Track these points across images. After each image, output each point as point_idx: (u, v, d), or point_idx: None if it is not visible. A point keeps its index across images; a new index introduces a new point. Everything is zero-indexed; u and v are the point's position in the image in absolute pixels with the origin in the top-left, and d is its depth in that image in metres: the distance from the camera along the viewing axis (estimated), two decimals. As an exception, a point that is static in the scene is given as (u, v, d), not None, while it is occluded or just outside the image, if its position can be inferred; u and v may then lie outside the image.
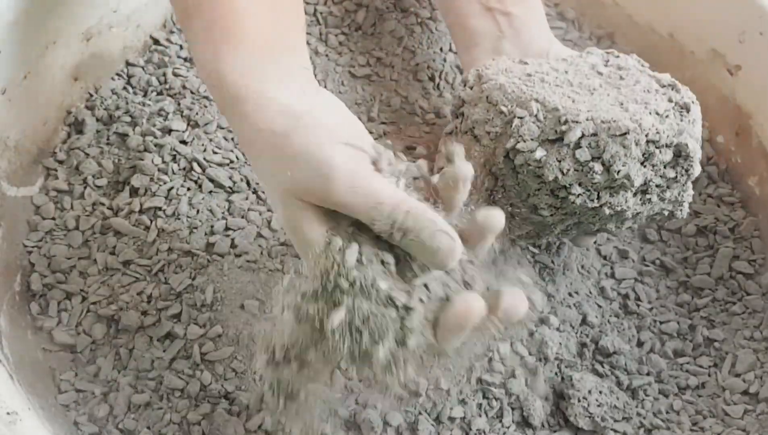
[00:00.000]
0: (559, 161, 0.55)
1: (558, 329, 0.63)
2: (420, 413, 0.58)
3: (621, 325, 0.65)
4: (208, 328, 0.60)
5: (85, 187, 0.66)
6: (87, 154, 0.68)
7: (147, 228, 0.64)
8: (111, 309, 0.61)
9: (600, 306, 0.66)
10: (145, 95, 0.71)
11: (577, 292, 0.66)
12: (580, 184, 0.55)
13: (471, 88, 0.61)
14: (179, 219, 0.64)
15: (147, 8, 0.75)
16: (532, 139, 0.55)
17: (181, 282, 0.61)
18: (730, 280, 0.69)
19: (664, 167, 0.56)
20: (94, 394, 0.58)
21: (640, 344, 0.65)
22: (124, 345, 0.60)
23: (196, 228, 0.64)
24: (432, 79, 0.76)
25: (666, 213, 0.60)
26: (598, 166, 0.55)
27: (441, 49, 0.78)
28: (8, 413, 0.51)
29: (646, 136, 0.55)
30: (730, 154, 0.75)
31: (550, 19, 0.81)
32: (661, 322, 0.66)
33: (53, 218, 0.65)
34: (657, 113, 0.56)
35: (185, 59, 0.74)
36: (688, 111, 0.57)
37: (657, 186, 0.57)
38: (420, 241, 0.45)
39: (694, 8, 0.77)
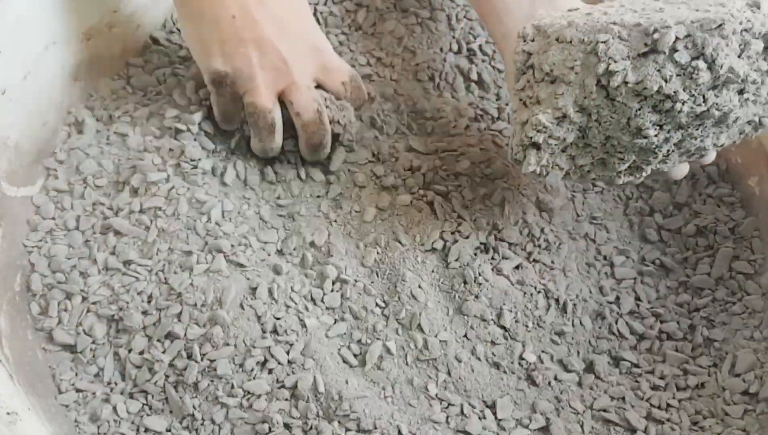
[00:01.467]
0: (659, 70, 0.53)
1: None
2: None
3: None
4: (208, 328, 0.60)
5: (85, 187, 0.66)
6: (87, 154, 0.68)
7: (147, 228, 0.64)
8: (111, 309, 0.61)
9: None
10: (144, 95, 0.71)
11: (577, 293, 0.66)
12: (684, 89, 0.53)
13: (532, 40, 0.60)
14: (179, 219, 0.64)
15: (147, 8, 0.75)
16: (623, 59, 0.54)
17: (181, 282, 0.61)
18: (730, 280, 0.69)
19: (758, 60, 0.55)
20: (94, 394, 0.58)
21: (640, 344, 0.65)
22: (124, 345, 0.60)
23: (196, 228, 0.64)
24: (432, 79, 0.76)
25: (757, 119, 0.58)
26: (701, 64, 0.53)
27: (441, 49, 0.78)
28: (8, 413, 0.51)
29: (741, 24, 0.53)
30: (730, 154, 0.75)
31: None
32: (661, 322, 0.66)
33: (53, 218, 0.65)
34: (736, 9, 0.54)
35: (185, 59, 0.74)
36: (759, 7, 0.55)
37: (753, 82, 0.55)
38: None
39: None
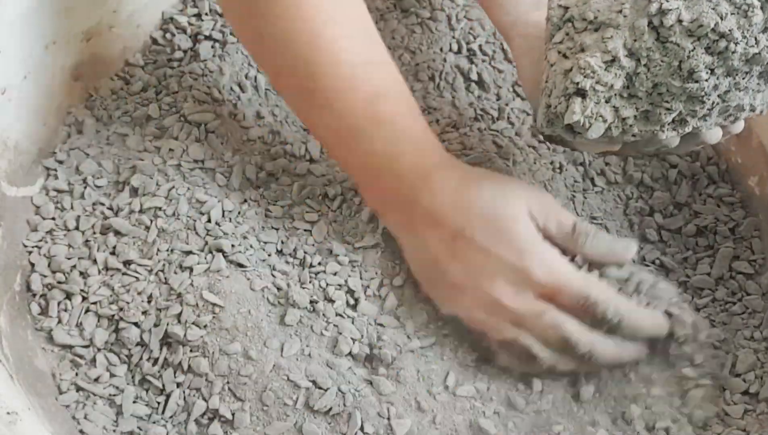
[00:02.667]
0: (714, 8, 0.52)
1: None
2: None
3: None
4: (208, 329, 0.60)
5: (85, 187, 0.66)
6: (87, 154, 0.68)
7: (147, 228, 0.64)
8: (111, 309, 0.61)
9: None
10: (144, 95, 0.71)
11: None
12: (739, 28, 0.52)
13: None
14: (179, 219, 0.64)
15: (147, 8, 0.75)
16: None
17: (181, 282, 0.61)
18: (730, 280, 0.68)
19: None
20: (95, 394, 0.58)
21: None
22: (123, 345, 0.60)
23: (196, 228, 0.64)
24: (432, 79, 0.76)
25: None
26: (756, 2, 0.52)
27: (441, 50, 0.78)
28: (8, 413, 0.51)
29: None
30: (730, 154, 0.75)
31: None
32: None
33: (53, 218, 0.65)
34: None
35: (183, 59, 0.74)
36: None
37: None
38: (596, 247, 0.61)
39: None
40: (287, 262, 0.64)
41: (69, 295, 0.61)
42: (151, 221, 0.64)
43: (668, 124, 0.56)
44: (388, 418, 0.58)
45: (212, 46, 0.75)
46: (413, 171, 0.60)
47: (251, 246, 0.64)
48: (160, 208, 0.65)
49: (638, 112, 0.56)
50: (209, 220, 0.64)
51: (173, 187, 0.66)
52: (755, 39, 0.53)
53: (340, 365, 0.60)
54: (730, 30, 0.52)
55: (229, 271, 0.62)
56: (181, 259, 0.63)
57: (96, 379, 0.59)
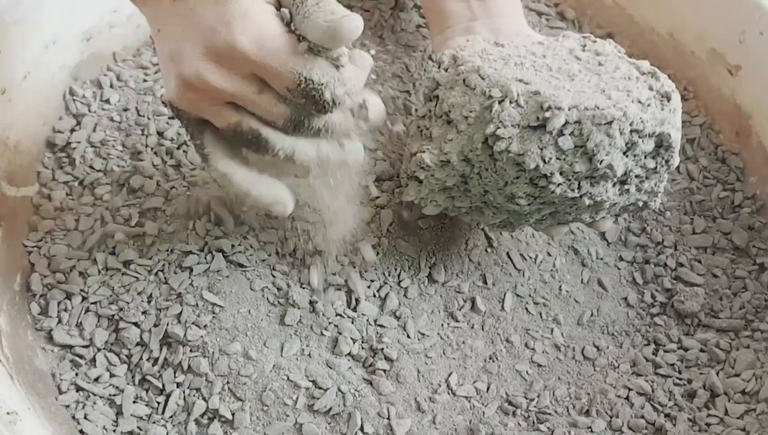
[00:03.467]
0: (541, 149, 0.53)
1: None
2: None
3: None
4: (208, 329, 0.60)
5: (85, 187, 0.66)
6: (87, 154, 0.68)
7: (147, 228, 0.64)
8: (111, 309, 0.61)
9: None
10: (144, 95, 0.71)
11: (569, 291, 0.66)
12: (561, 173, 0.54)
13: (446, 70, 0.59)
14: (179, 219, 0.64)
15: (147, 8, 0.75)
16: (512, 126, 0.54)
17: (181, 282, 0.62)
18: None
19: (645, 157, 0.55)
20: (94, 394, 0.58)
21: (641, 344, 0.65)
22: (124, 345, 0.60)
23: (195, 228, 0.64)
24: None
25: (640, 204, 0.59)
26: (581, 154, 0.53)
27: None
28: (8, 413, 0.51)
29: (631, 125, 0.53)
30: (730, 154, 0.75)
31: (549, 18, 0.81)
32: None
33: (53, 218, 0.65)
34: (639, 101, 0.55)
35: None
36: (669, 100, 0.56)
37: (636, 176, 0.56)
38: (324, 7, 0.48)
39: (694, 8, 0.77)
40: (287, 262, 0.64)
41: (69, 295, 0.61)
42: (151, 221, 0.64)
43: (498, 224, 0.59)
44: (388, 418, 0.58)
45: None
46: None
47: (251, 246, 0.64)
48: (159, 209, 0.65)
49: (472, 205, 0.58)
50: (210, 220, 0.64)
51: (173, 187, 0.66)
52: (578, 184, 0.54)
53: (340, 365, 0.60)
54: (551, 173, 0.54)
55: (228, 271, 0.62)
56: (180, 259, 0.63)
57: (96, 379, 0.59)
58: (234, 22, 0.49)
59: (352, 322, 0.61)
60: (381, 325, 0.62)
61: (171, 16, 0.50)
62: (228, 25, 0.49)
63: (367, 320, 0.62)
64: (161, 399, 0.58)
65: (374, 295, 0.63)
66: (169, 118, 0.70)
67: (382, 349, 0.61)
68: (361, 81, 0.53)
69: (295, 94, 0.51)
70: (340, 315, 0.62)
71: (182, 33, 0.50)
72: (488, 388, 0.61)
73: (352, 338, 0.61)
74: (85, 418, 0.57)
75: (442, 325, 0.63)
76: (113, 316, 0.61)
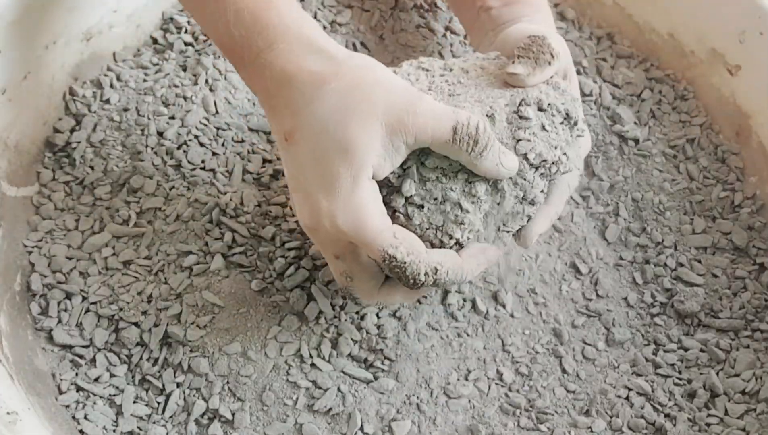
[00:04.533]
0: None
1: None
2: None
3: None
4: (208, 329, 0.60)
5: (84, 187, 0.66)
6: (87, 154, 0.68)
7: (146, 228, 0.64)
8: (111, 309, 0.61)
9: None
10: (144, 95, 0.71)
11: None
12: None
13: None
14: (179, 219, 0.64)
15: (147, 8, 0.75)
16: None
17: (181, 282, 0.62)
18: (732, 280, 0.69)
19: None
20: (94, 394, 0.58)
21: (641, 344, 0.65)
22: (124, 345, 0.60)
23: (195, 228, 0.64)
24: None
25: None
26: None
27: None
28: (8, 413, 0.51)
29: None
30: (730, 154, 0.75)
31: (550, 19, 0.81)
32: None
33: (53, 218, 0.65)
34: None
35: (183, 63, 0.74)
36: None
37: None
38: (494, 151, 0.52)
39: (694, 8, 0.76)
40: (287, 262, 0.64)
41: (69, 295, 0.61)
42: (151, 221, 0.64)
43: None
44: (388, 419, 0.58)
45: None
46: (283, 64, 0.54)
47: (251, 246, 0.64)
48: (159, 209, 0.65)
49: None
50: (210, 221, 0.64)
51: (173, 187, 0.66)
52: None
53: (340, 365, 0.60)
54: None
55: (228, 271, 0.62)
56: (180, 259, 0.63)
57: (96, 379, 0.59)
58: (338, 196, 0.51)
59: (352, 323, 0.61)
60: (381, 326, 0.62)
61: (285, 153, 0.54)
62: (331, 198, 0.52)
63: (367, 321, 0.62)
64: (161, 399, 0.58)
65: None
66: (169, 118, 0.70)
67: (382, 349, 0.61)
68: (469, 272, 0.55)
69: (383, 267, 0.53)
70: (339, 317, 0.62)
71: (294, 181, 0.54)
72: (488, 389, 0.61)
73: (352, 339, 0.61)
74: (85, 418, 0.57)
75: (442, 325, 0.63)
76: (113, 316, 0.61)
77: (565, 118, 0.56)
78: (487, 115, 0.54)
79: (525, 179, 0.54)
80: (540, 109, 0.55)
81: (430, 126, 0.51)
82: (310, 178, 0.52)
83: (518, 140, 0.54)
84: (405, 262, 0.52)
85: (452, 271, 0.53)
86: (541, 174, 0.55)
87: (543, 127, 0.55)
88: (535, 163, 0.54)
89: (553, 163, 0.55)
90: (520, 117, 0.54)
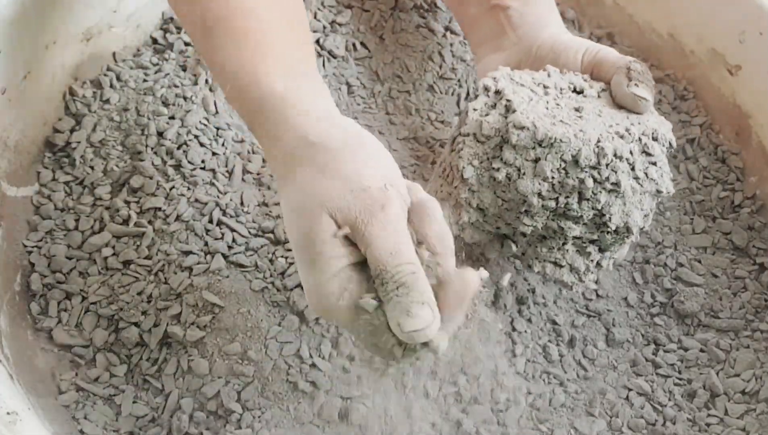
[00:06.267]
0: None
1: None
2: None
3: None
4: (208, 329, 0.60)
5: (84, 187, 0.66)
6: (87, 154, 0.68)
7: (147, 228, 0.64)
8: (111, 309, 0.61)
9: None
10: (144, 95, 0.71)
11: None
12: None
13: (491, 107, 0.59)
14: (179, 219, 0.64)
15: (147, 8, 0.75)
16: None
17: (181, 282, 0.62)
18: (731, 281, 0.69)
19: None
20: (94, 394, 0.58)
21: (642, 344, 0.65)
22: (124, 345, 0.60)
23: (195, 228, 0.64)
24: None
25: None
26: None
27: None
28: (8, 413, 0.51)
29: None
30: (730, 154, 0.75)
31: (550, 19, 0.81)
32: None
33: (53, 218, 0.65)
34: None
35: (183, 63, 0.74)
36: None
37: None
38: (405, 303, 0.46)
39: (694, 8, 0.77)
40: (287, 262, 0.64)
41: (69, 295, 0.61)
42: (151, 221, 0.64)
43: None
44: (390, 419, 0.58)
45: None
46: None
47: (251, 246, 0.64)
48: (159, 209, 0.65)
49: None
50: (210, 221, 0.64)
51: (173, 187, 0.66)
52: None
53: (340, 366, 0.60)
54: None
55: (228, 271, 0.62)
56: (180, 259, 0.63)
57: (96, 379, 0.59)
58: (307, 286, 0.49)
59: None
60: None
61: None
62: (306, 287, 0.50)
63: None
64: (161, 399, 0.58)
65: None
66: (169, 118, 0.70)
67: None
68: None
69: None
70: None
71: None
72: (490, 389, 0.61)
73: (352, 339, 0.61)
74: (85, 418, 0.57)
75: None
76: (113, 316, 0.61)
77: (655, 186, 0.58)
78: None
79: None
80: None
81: (378, 251, 0.48)
82: (295, 256, 0.51)
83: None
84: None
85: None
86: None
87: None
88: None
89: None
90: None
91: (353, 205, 0.48)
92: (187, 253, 0.63)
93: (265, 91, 0.51)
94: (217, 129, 0.70)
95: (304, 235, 0.49)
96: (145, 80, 0.72)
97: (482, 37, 0.67)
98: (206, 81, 0.72)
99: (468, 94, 0.76)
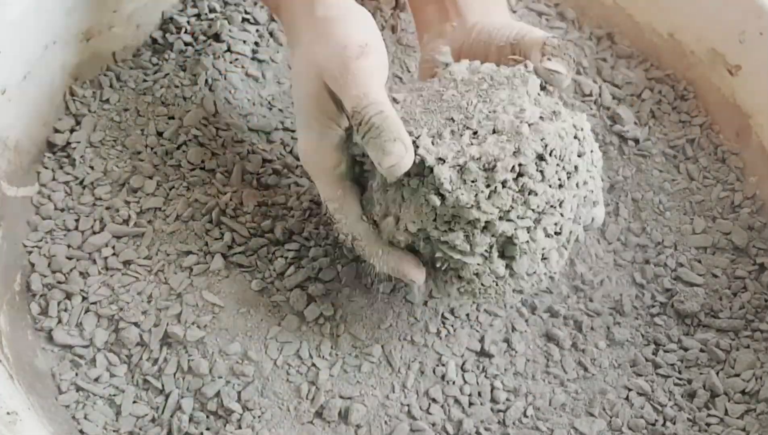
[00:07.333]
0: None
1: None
2: None
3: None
4: (208, 329, 0.60)
5: (84, 187, 0.66)
6: (87, 154, 0.68)
7: (146, 228, 0.64)
8: (111, 309, 0.61)
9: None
10: (144, 95, 0.71)
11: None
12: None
13: None
14: (179, 219, 0.64)
15: (147, 8, 0.75)
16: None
17: (181, 282, 0.62)
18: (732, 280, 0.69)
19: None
20: (94, 394, 0.58)
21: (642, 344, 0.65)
22: (123, 345, 0.60)
23: (195, 228, 0.64)
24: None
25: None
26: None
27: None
28: (8, 413, 0.51)
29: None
30: (730, 153, 0.75)
31: (549, 18, 0.81)
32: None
33: (53, 218, 0.65)
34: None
35: (183, 63, 0.74)
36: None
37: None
38: (379, 142, 0.51)
39: (694, 8, 0.77)
40: (287, 262, 0.64)
41: (69, 295, 0.61)
42: (151, 221, 0.64)
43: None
44: (390, 419, 0.58)
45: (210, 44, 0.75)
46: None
47: (251, 246, 0.64)
48: (159, 209, 0.65)
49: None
50: (209, 221, 0.64)
51: (173, 187, 0.66)
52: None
53: (340, 366, 0.60)
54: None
55: (228, 271, 0.62)
56: (180, 259, 0.63)
57: (96, 379, 0.59)
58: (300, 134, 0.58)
59: (352, 322, 0.61)
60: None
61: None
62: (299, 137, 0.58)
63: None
64: (161, 399, 0.58)
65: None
66: (169, 118, 0.70)
67: (383, 348, 0.60)
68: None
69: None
70: (339, 317, 0.62)
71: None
72: (491, 388, 0.61)
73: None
74: (85, 418, 0.57)
75: (443, 322, 0.63)
76: (113, 316, 0.61)
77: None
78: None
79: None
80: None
81: (350, 94, 0.53)
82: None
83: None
84: (334, 219, 0.57)
85: (368, 250, 0.56)
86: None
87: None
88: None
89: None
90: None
91: (334, 61, 0.54)
92: (187, 253, 0.63)
93: None
94: (217, 129, 0.70)
95: (304, 95, 0.56)
96: (144, 80, 0.72)
97: (427, 22, 0.67)
98: (206, 81, 0.72)
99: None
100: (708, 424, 0.61)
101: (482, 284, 0.55)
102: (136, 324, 0.60)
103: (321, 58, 0.55)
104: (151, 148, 0.68)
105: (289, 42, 0.61)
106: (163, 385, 0.59)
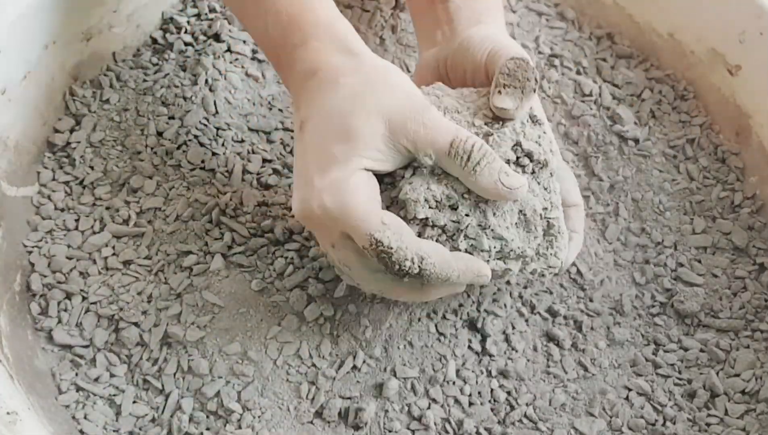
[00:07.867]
0: None
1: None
2: None
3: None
4: (208, 329, 0.60)
5: (84, 187, 0.66)
6: (87, 155, 0.68)
7: (146, 228, 0.64)
8: (111, 309, 0.61)
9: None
10: (144, 95, 0.71)
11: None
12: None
13: None
14: (179, 219, 0.64)
15: (147, 8, 0.75)
16: None
17: (181, 282, 0.62)
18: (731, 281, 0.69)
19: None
20: (94, 394, 0.58)
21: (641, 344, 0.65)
22: (123, 345, 0.60)
23: (195, 228, 0.64)
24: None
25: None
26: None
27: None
28: (8, 413, 0.51)
29: None
30: (730, 154, 0.75)
31: (549, 18, 0.81)
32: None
33: (53, 218, 0.65)
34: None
35: (183, 63, 0.74)
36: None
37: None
38: (495, 166, 0.53)
39: (694, 8, 0.76)
40: (287, 262, 0.64)
41: (69, 295, 0.61)
42: (151, 221, 0.64)
43: None
44: (389, 420, 0.58)
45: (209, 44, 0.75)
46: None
47: (251, 246, 0.64)
48: (159, 209, 0.65)
49: None
50: (209, 221, 0.64)
51: (173, 187, 0.66)
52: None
53: (340, 366, 0.60)
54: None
55: (228, 271, 0.62)
56: (180, 259, 0.63)
57: (96, 379, 0.59)
58: (329, 176, 0.53)
59: (353, 323, 0.61)
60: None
61: (298, 142, 0.56)
62: (322, 179, 0.53)
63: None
64: (161, 399, 0.58)
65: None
66: (169, 118, 0.70)
67: (384, 348, 0.60)
68: (456, 271, 0.54)
69: (370, 253, 0.52)
70: (339, 317, 0.62)
71: (297, 168, 0.56)
72: (490, 389, 0.61)
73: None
74: (85, 418, 0.57)
75: (443, 323, 0.63)
76: (113, 316, 0.61)
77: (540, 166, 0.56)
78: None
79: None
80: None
81: (431, 136, 0.53)
82: (310, 161, 0.54)
83: None
84: (391, 248, 0.51)
85: (439, 264, 0.52)
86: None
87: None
88: None
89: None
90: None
91: (406, 105, 0.53)
92: (187, 253, 0.63)
93: (315, 16, 0.57)
94: (217, 129, 0.70)
95: (346, 131, 0.53)
96: (144, 80, 0.73)
97: (424, 30, 0.67)
98: (206, 81, 0.72)
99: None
100: (708, 424, 0.61)
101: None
102: (136, 324, 0.60)
103: (384, 100, 0.53)
104: (151, 148, 0.68)
105: (296, 83, 0.57)
106: (163, 385, 0.59)
